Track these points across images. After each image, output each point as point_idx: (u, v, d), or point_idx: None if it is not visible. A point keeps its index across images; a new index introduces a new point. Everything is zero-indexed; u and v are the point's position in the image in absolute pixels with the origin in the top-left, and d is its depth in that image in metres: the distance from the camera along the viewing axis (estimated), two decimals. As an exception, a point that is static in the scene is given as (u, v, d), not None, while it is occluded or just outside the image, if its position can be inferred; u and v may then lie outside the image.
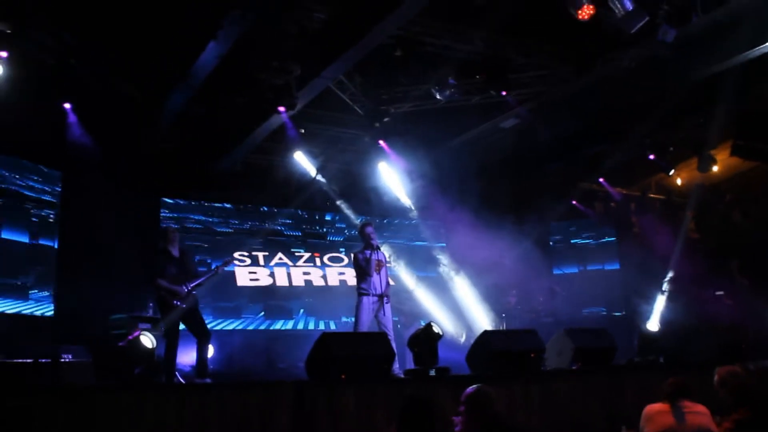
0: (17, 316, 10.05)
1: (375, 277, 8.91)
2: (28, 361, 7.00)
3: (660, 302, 13.03)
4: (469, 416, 4.52)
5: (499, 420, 4.59)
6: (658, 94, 10.62)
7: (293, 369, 11.38)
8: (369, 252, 9.03)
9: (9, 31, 8.09)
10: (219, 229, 13.17)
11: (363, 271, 8.97)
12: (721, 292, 12.46)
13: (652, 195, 15.19)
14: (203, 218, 13.07)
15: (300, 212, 14.00)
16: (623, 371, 8.12)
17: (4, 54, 8.18)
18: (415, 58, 9.37)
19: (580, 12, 7.96)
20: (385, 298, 8.93)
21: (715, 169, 12.87)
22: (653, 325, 10.65)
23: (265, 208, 13.76)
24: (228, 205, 13.40)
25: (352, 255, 9.33)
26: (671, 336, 10.22)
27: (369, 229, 9.21)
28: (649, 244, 13.91)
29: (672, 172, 13.41)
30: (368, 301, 8.85)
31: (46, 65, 8.93)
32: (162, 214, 12.54)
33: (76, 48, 8.95)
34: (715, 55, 9.47)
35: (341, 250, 14.34)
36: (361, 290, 8.95)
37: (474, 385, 4.64)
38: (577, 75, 10.14)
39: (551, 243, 15.67)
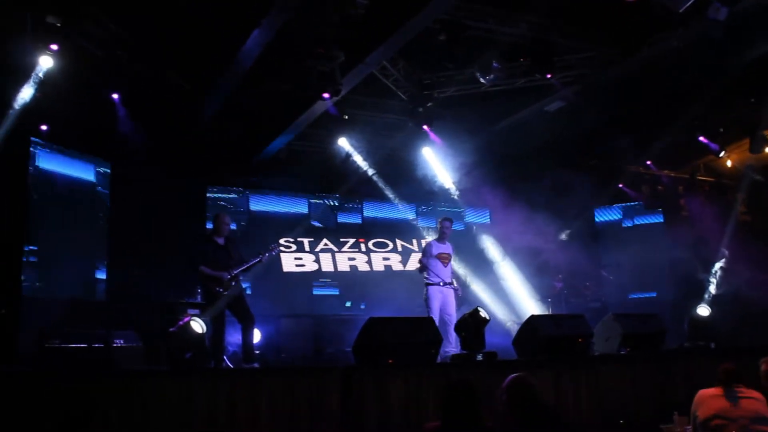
0: (70, 300, 10.28)
1: (443, 269, 9.66)
2: (82, 345, 7.16)
3: (711, 286, 12.78)
4: (510, 405, 4.49)
5: (541, 409, 4.54)
6: (709, 74, 10.35)
7: (339, 354, 11.49)
8: (440, 244, 9.83)
9: (59, 24, 8.23)
10: (264, 217, 13.29)
11: (432, 261, 9.67)
12: (774, 276, 12.15)
13: (701, 177, 14.89)
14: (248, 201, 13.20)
15: (344, 198, 14.03)
16: (673, 357, 8.00)
17: (55, 47, 8.32)
18: (459, 43, 9.28)
19: (627, -9, 7.80)
20: (452, 287, 9.69)
21: (767, 150, 12.56)
22: (704, 310, 10.43)
23: (310, 195, 13.82)
24: (272, 191, 13.50)
25: (423, 243, 10.04)
26: (723, 321, 10.03)
27: (446, 224, 10.03)
28: (698, 227, 13.65)
29: (722, 153, 13.11)
30: (436, 291, 9.51)
31: (95, 57, 9.07)
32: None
33: (123, 39, 9.08)
34: (768, 33, 9.21)
35: (385, 235, 14.36)
36: (429, 280, 9.58)
37: (514, 374, 4.60)
38: (623, 57, 9.96)
39: (598, 227, 15.46)
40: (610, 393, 7.11)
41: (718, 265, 12.66)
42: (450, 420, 4.22)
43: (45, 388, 5.00)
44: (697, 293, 12.12)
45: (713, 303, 11.45)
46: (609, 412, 6.94)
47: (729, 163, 13.81)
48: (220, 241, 8.82)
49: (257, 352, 10.16)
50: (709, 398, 5.06)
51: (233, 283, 8.62)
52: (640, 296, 14.30)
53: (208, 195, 12.75)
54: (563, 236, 13.90)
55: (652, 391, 7.32)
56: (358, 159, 12.68)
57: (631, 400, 7.18)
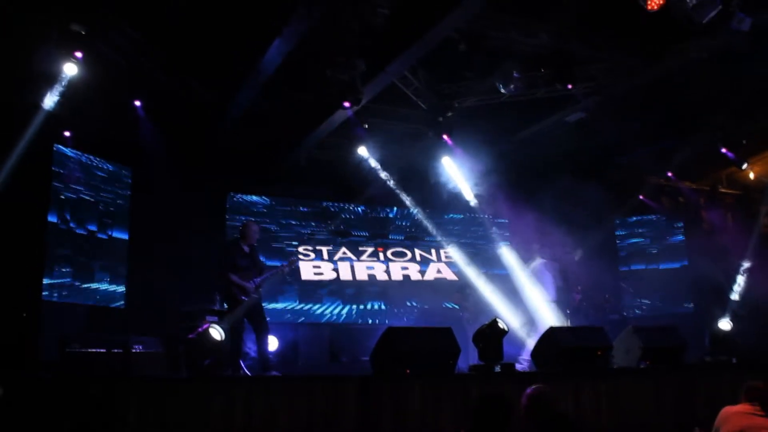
0: (90, 306, 10.35)
1: None
2: (102, 350, 7.21)
3: (732, 300, 12.64)
4: (528, 416, 4.49)
5: (559, 420, 4.53)
6: (732, 85, 10.28)
7: (356, 363, 11.46)
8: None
9: (83, 33, 8.32)
10: (284, 225, 13.30)
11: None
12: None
13: (723, 189, 14.74)
14: (268, 209, 13.22)
15: (363, 208, 14.03)
16: (694, 371, 7.92)
17: (79, 54, 8.41)
18: (480, 53, 9.29)
19: (649, 2, 7.73)
20: None
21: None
22: (725, 324, 10.32)
23: (329, 203, 13.84)
24: (292, 200, 13.50)
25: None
26: (744, 335, 9.92)
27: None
28: (719, 240, 13.51)
29: (745, 165, 12.97)
30: None
31: (118, 65, 9.16)
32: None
33: (145, 48, 9.17)
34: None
35: (403, 244, 14.35)
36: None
37: (533, 386, 4.61)
38: (645, 67, 9.91)
39: (618, 240, 15.35)
40: (630, 406, 7.05)
41: (739, 279, 12.53)
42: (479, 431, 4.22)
43: (65, 394, 5.03)
44: (719, 307, 12.01)
45: (735, 317, 11.34)
46: (628, 425, 6.88)
47: (752, 175, 13.67)
48: (246, 248, 8.92)
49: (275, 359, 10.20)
50: (734, 415, 4.98)
51: (256, 292, 8.70)
52: (660, 309, 14.15)
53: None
54: (576, 257, 13.81)
55: (672, 405, 7.25)
56: (373, 163, 12.56)
57: (651, 414, 7.11)
